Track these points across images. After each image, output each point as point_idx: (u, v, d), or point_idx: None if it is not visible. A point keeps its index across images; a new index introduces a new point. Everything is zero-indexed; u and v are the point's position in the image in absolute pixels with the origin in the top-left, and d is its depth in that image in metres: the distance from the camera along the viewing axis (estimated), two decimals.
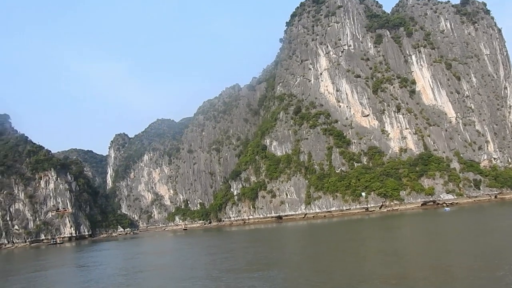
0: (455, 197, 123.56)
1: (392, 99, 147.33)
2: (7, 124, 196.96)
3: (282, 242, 65.17)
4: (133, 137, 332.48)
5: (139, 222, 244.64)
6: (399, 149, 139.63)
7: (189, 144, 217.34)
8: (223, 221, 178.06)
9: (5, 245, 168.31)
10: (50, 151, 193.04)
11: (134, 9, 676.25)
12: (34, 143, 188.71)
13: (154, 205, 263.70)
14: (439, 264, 31.59)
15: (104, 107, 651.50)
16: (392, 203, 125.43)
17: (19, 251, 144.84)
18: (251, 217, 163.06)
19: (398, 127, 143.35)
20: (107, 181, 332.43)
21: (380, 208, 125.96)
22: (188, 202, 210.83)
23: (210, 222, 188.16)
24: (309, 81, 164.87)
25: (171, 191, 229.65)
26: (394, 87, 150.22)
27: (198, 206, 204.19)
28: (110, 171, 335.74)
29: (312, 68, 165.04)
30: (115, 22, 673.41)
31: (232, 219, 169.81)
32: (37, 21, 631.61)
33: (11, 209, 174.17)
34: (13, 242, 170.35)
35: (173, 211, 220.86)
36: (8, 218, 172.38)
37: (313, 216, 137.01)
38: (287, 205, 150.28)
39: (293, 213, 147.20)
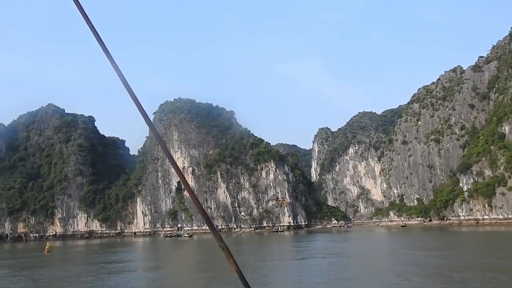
0: None
1: None
2: (233, 119, 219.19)
3: None
4: (336, 130, 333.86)
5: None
6: None
7: (403, 135, 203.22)
8: (447, 219, 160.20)
9: (234, 229, 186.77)
10: (270, 143, 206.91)
11: (327, 7, 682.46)
12: (256, 136, 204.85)
13: (360, 199, 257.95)
14: None
15: (305, 103, 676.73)
16: None
17: (245, 235, 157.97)
18: (486, 217, 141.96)
19: None
20: (312, 174, 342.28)
21: None
22: (404, 197, 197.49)
23: (430, 220, 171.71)
24: None
25: (384, 185, 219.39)
26: None
27: (415, 201, 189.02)
28: (314, 165, 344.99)
29: None
30: (311, 21, 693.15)
31: (462, 217, 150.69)
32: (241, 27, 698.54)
33: (238, 197, 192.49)
34: (240, 227, 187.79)
35: (386, 205, 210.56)
36: (236, 205, 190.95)
37: None
38: None
39: None
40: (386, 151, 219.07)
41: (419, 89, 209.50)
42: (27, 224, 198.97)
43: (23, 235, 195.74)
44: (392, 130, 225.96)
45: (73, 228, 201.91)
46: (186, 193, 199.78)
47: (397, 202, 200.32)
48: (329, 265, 46.82)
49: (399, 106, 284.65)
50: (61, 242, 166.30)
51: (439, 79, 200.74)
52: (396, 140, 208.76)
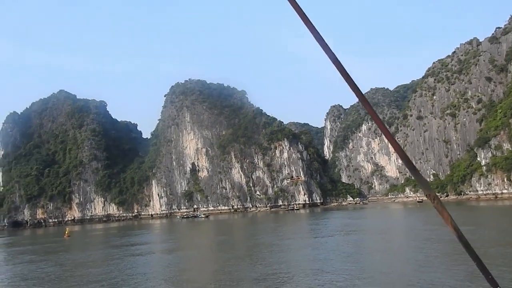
0: None
1: None
2: (245, 99, 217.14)
3: None
4: (348, 107, 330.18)
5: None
6: None
7: (418, 110, 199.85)
8: (465, 194, 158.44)
9: (250, 209, 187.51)
10: (283, 122, 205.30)
11: None
12: (269, 115, 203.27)
13: (375, 176, 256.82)
14: None
15: (316, 81, 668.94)
16: None
17: (261, 214, 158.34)
18: (505, 191, 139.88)
19: None
20: (324, 152, 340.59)
21: None
22: (420, 173, 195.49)
23: (447, 195, 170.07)
24: None
25: (399, 161, 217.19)
26: None
27: (431, 177, 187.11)
28: (327, 142, 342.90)
29: None
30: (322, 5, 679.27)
31: (480, 192, 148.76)
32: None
33: (253, 176, 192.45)
34: (256, 206, 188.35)
35: (402, 181, 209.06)
36: (251, 184, 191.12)
37: None
38: None
39: None
40: (400, 126, 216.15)
41: (433, 62, 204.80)
42: (46, 210, 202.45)
43: (42, 220, 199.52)
44: (406, 105, 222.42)
45: (91, 213, 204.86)
46: (200, 174, 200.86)
47: (413, 178, 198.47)
48: (355, 241, 46.24)
49: (412, 81, 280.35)
50: (80, 226, 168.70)
51: (454, 52, 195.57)
52: (411, 115, 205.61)
